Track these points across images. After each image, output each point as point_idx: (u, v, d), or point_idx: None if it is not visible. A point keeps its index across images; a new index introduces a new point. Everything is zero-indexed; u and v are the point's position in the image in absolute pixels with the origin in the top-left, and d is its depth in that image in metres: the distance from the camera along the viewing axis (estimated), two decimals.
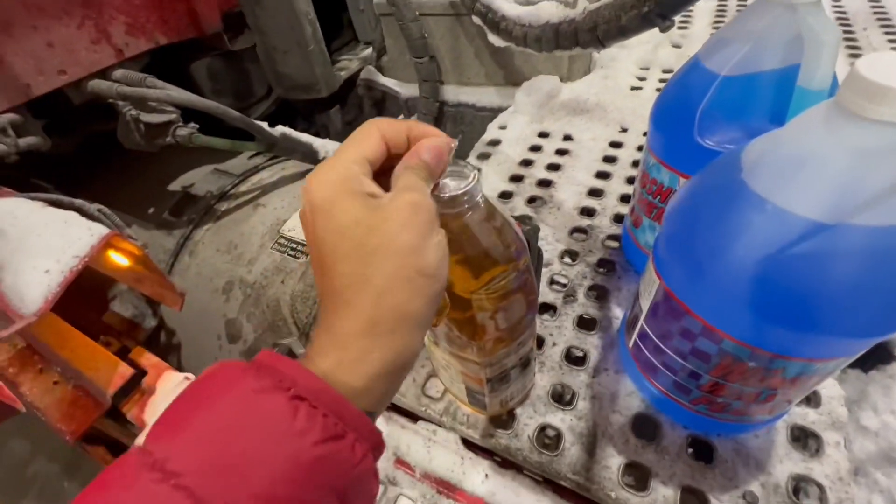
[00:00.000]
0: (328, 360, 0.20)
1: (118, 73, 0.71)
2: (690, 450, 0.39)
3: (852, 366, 0.39)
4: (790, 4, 0.31)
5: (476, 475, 0.41)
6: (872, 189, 0.21)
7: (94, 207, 0.59)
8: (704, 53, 0.37)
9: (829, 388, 0.41)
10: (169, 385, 0.51)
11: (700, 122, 0.36)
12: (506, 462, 0.42)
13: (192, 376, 0.52)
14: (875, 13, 0.97)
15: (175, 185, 0.91)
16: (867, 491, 0.45)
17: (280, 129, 0.85)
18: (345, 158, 0.22)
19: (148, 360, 0.56)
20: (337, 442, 0.18)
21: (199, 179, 0.90)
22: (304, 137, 0.88)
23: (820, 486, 0.35)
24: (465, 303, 0.28)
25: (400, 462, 0.44)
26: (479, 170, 0.25)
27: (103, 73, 0.73)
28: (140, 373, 0.54)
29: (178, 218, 0.84)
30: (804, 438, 0.39)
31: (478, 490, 0.40)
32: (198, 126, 0.79)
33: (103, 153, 0.94)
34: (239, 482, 0.16)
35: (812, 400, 0.41)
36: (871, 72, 0.20)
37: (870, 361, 0.52)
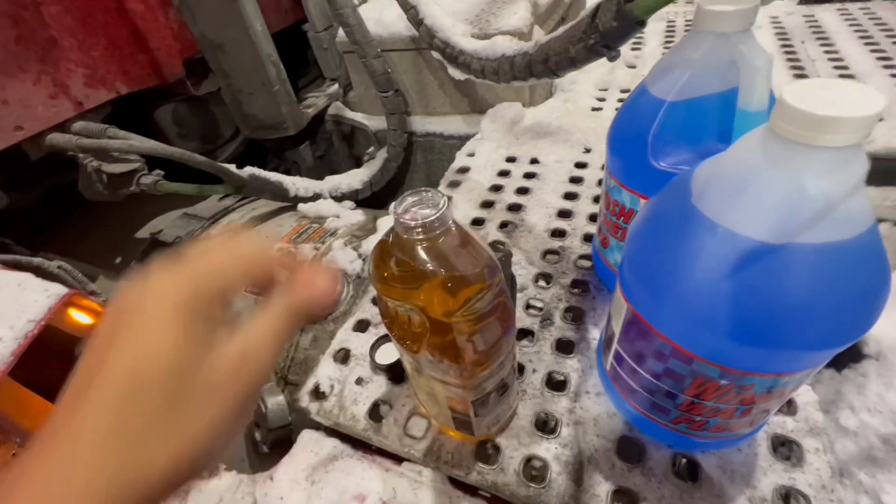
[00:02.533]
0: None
1: (77, 125, 0.70)
2: (676, 469, 0.38)
3: (825, 366, 0.40)
4: (722, 34, 0.33)
5: None
6: (809, 209, 0.22)
7: (54, 265, 0.57)
8: (650, 81, 0.39)
9: (804, 395, 0.42)
10: None
11: (652, 146, 0.38)
12: (495, 498, 0.41)
13: None
14: (810, 27, 1.03)
15: (143, 233, 0.90)
16: (853, 493, 0.45)
17: (248, 170, 0.85)
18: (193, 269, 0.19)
19: None
20: None
21: (168, 225, 0.88)
22: (274, 176, 0.87)
23: (805, 497, 0.35)
24: (445, 326, 0.29)
25: None
26: (449, 197, 0.26)
27: (62, 126, 0.72)
28: None
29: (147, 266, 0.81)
30: (786, 448, 0.39)
31: None
32: (163, 173, 0.78)
33: (65, 205, 0.92)
34: None
35: (789, 407, 0.41)
36: (796, 100, 0.21)
37: (842, 361, 0.53)
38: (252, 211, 0.90)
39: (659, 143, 0.38)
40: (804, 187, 0.22)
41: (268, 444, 0.56)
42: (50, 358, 0.65)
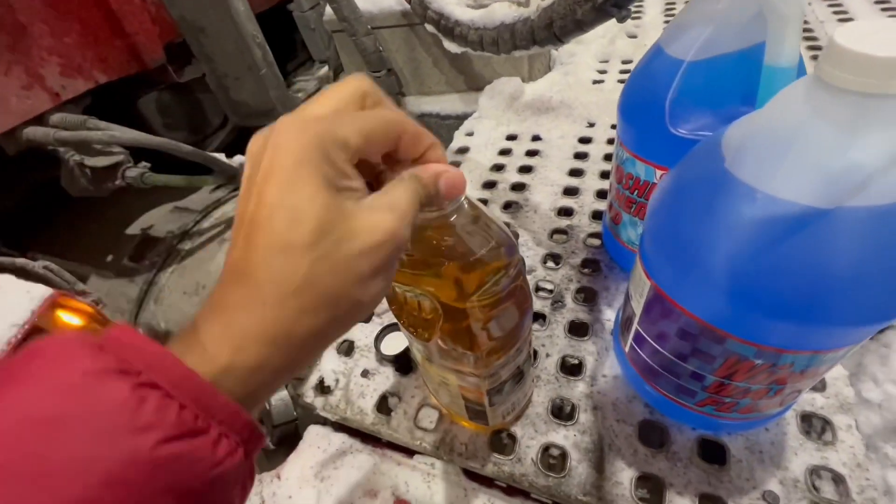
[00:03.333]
0: (219, 362, 0.17)
1: (55, 117, 0.67)
2: (702, 452, 0.37)
3: None
4: None
5: None
6: (864, 167, 0.20)
7: (39, 265, 0.54)
8: (666, 40, 0.36)
9: (833, 370, 0.40)
10: None
11: (671, 111, 0.35)
12: (512, 489, 0.40)
13: None
14: None
15: (133, 229, 0.87)
16: (879, 467, 0.44)
17: (239, 159, 0.81)
18: (326, 127, 0.18)
19: None
20: (194, 439, 0.15)
21: (159, 220, 0.85)
22: None
23: (838, 475, 0.34)
24: (459, 312, 0.26)
25: (400, 502, 0.41)
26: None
27: (40, 119, 0.68)
28: None
29: (139, 263, 0.79)
30: (815, 425, 0.37)
31: None
32: (150, 165, 0.74)
33: (50, 203, 0.89)
34: (43, 489, 0.13)
35: (818, 384, 0.39)
36: (850, 42, 0.19)
37: None
38: None
39: (677, 108, 0.35)
40: (859, 143, 0.20)
41: (273, 441, 0.54)
42: None
